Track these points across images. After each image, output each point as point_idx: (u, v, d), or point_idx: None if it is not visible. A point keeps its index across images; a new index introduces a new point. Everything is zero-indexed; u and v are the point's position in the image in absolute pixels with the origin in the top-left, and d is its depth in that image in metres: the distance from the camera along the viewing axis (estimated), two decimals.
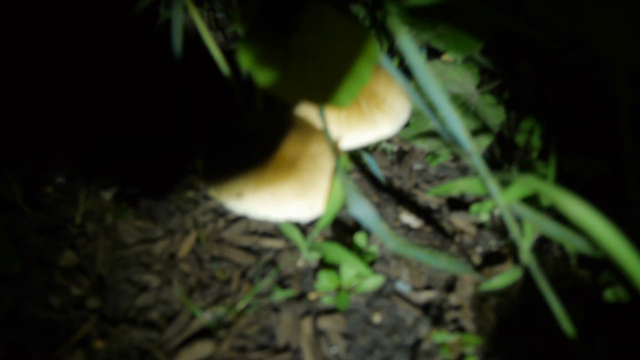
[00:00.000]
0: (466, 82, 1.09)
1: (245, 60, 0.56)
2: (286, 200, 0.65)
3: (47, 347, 0.73)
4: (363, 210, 0.63)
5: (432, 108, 1.06)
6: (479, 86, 1.11)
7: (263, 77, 0.56)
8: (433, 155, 1.07)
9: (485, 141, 1.03)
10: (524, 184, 0.68)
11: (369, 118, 0.75)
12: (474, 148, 0.63)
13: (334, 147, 0.67)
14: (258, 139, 0.69)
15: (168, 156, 1.03)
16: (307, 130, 0.73)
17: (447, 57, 1.14)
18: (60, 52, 1.27)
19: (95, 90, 1.19)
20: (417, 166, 1.06)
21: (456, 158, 1.09)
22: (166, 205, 0.92)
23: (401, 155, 1.07)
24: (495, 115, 1.06)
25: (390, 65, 0.67)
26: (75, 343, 0.74)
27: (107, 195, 0.93)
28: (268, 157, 0.67)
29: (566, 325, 0.66)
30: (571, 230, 0.70)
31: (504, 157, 1.10)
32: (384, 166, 1.05)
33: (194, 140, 1.06)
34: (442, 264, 0.69)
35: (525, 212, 0.69)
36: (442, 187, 0.72)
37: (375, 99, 0.76)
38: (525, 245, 0.76)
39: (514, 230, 0.66)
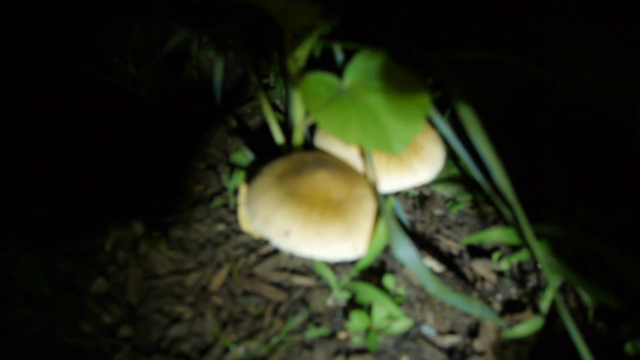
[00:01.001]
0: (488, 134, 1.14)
1: (311, 105, 0.60)
2: (332, 240, 0.67)
3: None
4: (408, 252, 0.65)
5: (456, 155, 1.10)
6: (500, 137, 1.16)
7: (325, 121, 0.59)
8: (453, 201, 1.10)
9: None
10: (558, 237, 0.71)
11: (407, 164, 0.78)
12: (516, 201, 0.66)
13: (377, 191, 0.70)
14: (305, 179, 0.72)
15: (198, 187, 1.05)
16: (350, 172, 0.76)
17: None
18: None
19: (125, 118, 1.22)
20: (437, 211, 1.10)
21: (475, 205, 1.13)
22: (197, 237, 0.94)
23: (422, 200, 1.11)
24: (514, 169, 1.10)
25: (438, 117, 0.71)
26: None
27: (137, 224, 0.95)
28: (315, 198, 0.70)
29: None
30: (596, 283, 0.73)
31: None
32: (407, 210, 1.08)
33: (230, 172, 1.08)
34: (476, 310, 0.71)
35: (556, 263, 0.72)
36: (476, 235, 0.75)
37: (414, 146, 0.80)
38: (549, 294, 0.79)
39: (550, 278, 0.69)
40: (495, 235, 0.73)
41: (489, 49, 0.62)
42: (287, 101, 0.95)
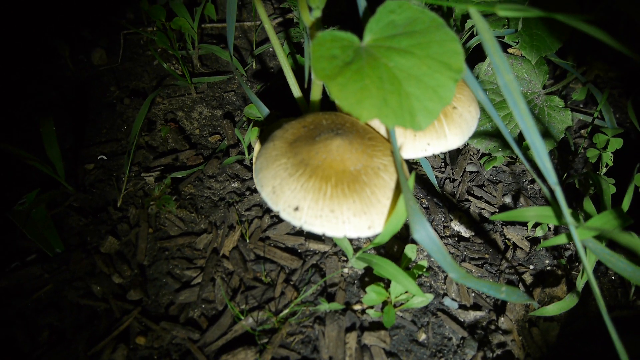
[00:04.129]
0: (533, 80, 1.01)
1: (320, 70, 0.51)
2: (345, 218, 0.61)
3: (89, 337, 0.73)
4: (427, 236, 0.58)
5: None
6: (545, 85, 1.03)
7: (338, 91, 0.51)
8: (488, 157, 1.01)
9: (546, 147, 0.96)
10: (601, 223, 0.63)
11: (437, 128, 0.69)
12: (555, 180, 0.57)
13: (401, 162, 0.62)
14: (319, 146, 0.64)
15: (213, 137, 0.99)
16: (370, 137, 0.68)
17: (514, 50, 1.06)
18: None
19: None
20: (470, 167, 1.01)
21: (510, 162, 1.03)
22: (210, 194, 0.89)
23: (454, 155, 1.01)
24: (561, 120, 0.98)
25: (472, 77, 0.61)
26: (117, 337, 0.73)
27: (149, 178, 0.91)
28: (330, 169, 0.62)
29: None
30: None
31: (562, 167, 1.03)
32: (436, 166, 0.99)
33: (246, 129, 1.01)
34: (503, 296, 0.65)
35: (598, 248, 0.64)
36: (509, 213, 0.67)
37: (445, 107, 0.70)
38: (586, 275, 0.71)
39: (587, 267, 0.61)
40: (531, 214, 0.64)
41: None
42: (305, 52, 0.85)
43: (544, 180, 0.89)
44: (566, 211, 0.55)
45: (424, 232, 0.58)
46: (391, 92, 0.52)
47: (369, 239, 0.84)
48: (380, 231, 0.63)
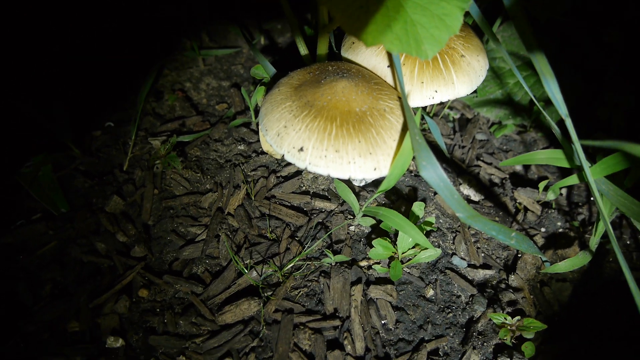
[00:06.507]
0: (543, 47, 0.99)
1: None
2: (351, 158, 0.60)
3: (91, 291, 0.72)
4: (435, 172, 0.57)
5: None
6: (557, 53, 1.02)
7: (342, 16, 0.50)
8: (498, 125, 0.99)
9: (556, 115, 0.95)
10: (617, 159, 0.61)
11: (445, 75, 0.68)
12: (566, 111, 0.56)
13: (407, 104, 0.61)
14: (324, 88, 0.64)
15: (220, 106, 0.99)
16: (376, 83, 0.67)
17: None
18: None
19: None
20: (479, 136, 0.99)
21: (521, 131, 1.01)
22: (216, 157, 0.88)
23: (464, 123, 1.00)
24: (571, 88, 0.97)
25: (485, 22, 0.60)
26: (119, 290, 0.72)
27: (156, 142, 0.90)
28: (335, 110, 0.61)
29: None
30: None
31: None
32: (445, 133, 0.98)
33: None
34: (512, 240, 0.63)
35: (612, 189, 0.62)
36: (519, 157, 0.65)
37: (453, 54, 0.69)
38: (601, 227, 0.69)
39: (601, 206, 0.59)
40: (542, 157, 0.63)
41: None
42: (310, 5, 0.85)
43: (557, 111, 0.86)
44: (576, 141, 0.54)
45: (431, 169, 0.57)
46: (396, 20, 0.52)
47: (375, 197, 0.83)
48: (387, 173, 0.62)
